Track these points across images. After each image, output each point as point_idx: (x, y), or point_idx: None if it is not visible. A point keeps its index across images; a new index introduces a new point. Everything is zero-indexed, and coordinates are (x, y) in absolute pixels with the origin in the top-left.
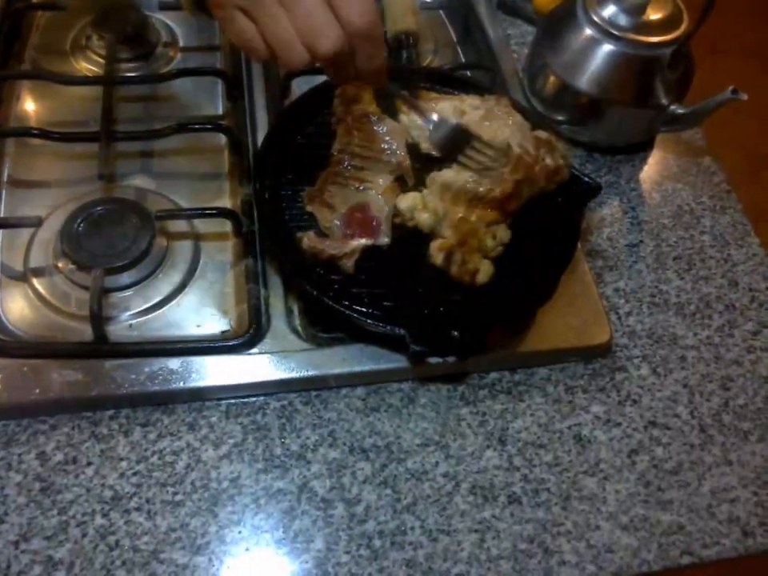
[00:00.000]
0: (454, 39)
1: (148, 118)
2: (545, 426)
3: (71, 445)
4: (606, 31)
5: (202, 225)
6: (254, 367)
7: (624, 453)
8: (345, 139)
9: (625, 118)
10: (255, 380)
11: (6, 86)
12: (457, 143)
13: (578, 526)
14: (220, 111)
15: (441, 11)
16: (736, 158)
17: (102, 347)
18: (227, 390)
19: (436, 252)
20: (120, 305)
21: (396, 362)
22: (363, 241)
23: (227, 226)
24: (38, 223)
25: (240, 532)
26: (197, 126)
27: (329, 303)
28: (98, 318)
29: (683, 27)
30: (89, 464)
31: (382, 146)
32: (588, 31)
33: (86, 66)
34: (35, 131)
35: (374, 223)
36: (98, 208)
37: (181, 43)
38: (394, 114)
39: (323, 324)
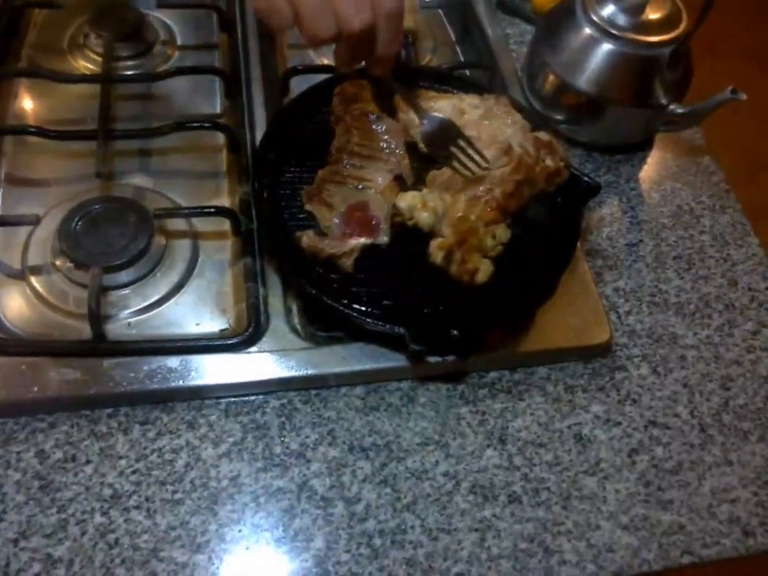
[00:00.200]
0: (453, 38)
1: (146, 117)
2: (545, 426)
3: (70, 443)
4: (605, 30)
5: (200, 223)
6: (253, 366)
7: (624, 452)
8: (344, 138)
9: (624, 118)
10: (254, 379)
11: (4, 83)
12: (444, 138)
13: (578, 525)
14: (218, 110)
15: (440, 10)
16: (734, 158)
17: (100, 345)
18: (226, 388)
19: (435, 251)
20: (118, 303)
21: (395, 360)
22: (362, 240)
23: (226, 224)
24: (35, 221)
25: (240, 530)
26: (195, 125)
27: (328, 302)
28: (97, 317)
29: (682, 27)
30: (88, 462)
31: (381, 144)
32: (587, 30)
33: (84, 64)
34: (33, 129)
35: (374, 222)
36: (96, 206)
37: (179, 41)
38: (392, 112)
39: (322, 323)
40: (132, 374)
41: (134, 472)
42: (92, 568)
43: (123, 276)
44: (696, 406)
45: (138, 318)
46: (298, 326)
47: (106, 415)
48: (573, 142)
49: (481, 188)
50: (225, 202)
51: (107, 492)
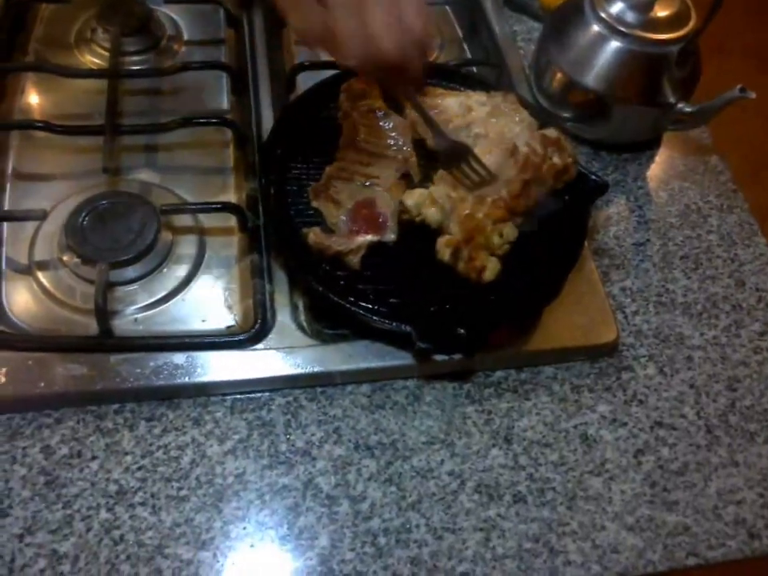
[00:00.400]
0: (460, 35)
1: (153, 112)
2: (551, 425)
3: (76, 439)
4: (613, 28)
5: (207, 219)
6: (259, 363)
7: (630, 453)
8: (351, 134)
9: (631, 116)
10: (260, 375)
11: (11, 78)
12: (455, 157)
13: (583, 525)
14: (225, 105)
15: (447, 7)
16: (741, 157)
17: (106, 341)
18: (232, 385)
19: (443, 248)
20: (125, 299)
21: (402, 359)
22: (369, 237)
23: (232, 220)
24: (42, 216)
25: (245, 528)
26: (202, 120)
27: (334, 299)
28: (103, 312)
29: (691, 25)
30: (94, 458)
31: (388, 141)
32: (595, 28)
33: (91, 59)
34: (39, 124)
35: (381, 219)
36: (103, 202)
37: (186, 36)
38: (400, 109)
39: (329, 320)
40: (138, 370)
41: (139, 468)
42: (97, 564)
43: (130, 272)
44: (702, 407)
45: (145, 313)
46: (305, 323)
47: (112, 411)
48: (580, 140)
49: (488, 188)
50: (231, 198)
51: (113, 488)
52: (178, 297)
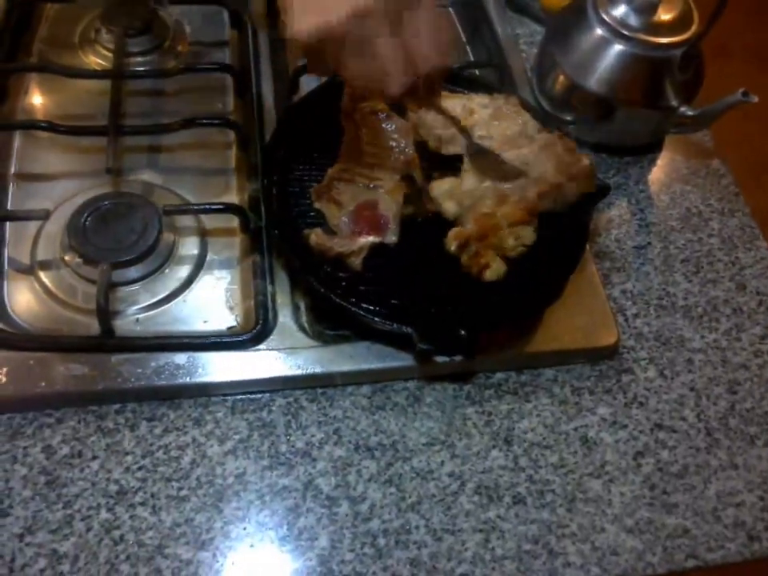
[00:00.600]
0: (463, 38)
1: (156, 113)
2: (551, 427)
3: (77, 438)
4: (616, 31)
5: (209, 220)
6: (260, 363)
7: (630, 455)
8: (353, 136)
9: (634, 119)
10: (261, 376)
11: (14, 78)
12: (488, 166)
13: (582, 527)
14: (228, 106)
15: (450, 9)
16: (743, 161)
17: (108, 341)
18: (233, 385)
19: (452, 239)
20: (127, 299)
21: (402, 360)
22: (371, 238)
23: (234, 221)
24: (45, 216)
25: (245, 528)
26: (205, 121)
27: (336, 300)
28: (105, 312)
29: (694, 28)
30: (94, 458)
31: (390, 143)
32: (598, 31)
33: (95, 60)
34: (43, 124)
35: (382, 221)
36: (106, 202)
37: (189, 38)
38: (402, 111)
39: (330, 321)
40: (139, 370)
41: (139, 468)
42: (96, 564)
43: (132, 272)
44: (702, 410)
45: (147, 314)
46: (306, 324)
47: (113, 411)
48: (582, 143)
49: (512, 185)
50: (234, 199)
51: (113, 488)
52: (180, 297)
